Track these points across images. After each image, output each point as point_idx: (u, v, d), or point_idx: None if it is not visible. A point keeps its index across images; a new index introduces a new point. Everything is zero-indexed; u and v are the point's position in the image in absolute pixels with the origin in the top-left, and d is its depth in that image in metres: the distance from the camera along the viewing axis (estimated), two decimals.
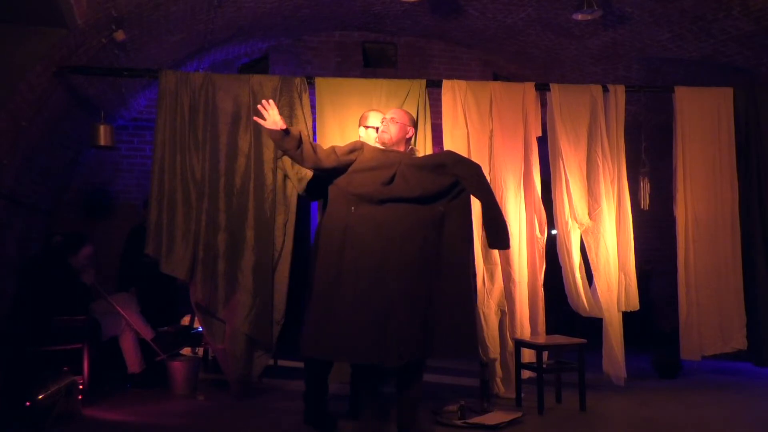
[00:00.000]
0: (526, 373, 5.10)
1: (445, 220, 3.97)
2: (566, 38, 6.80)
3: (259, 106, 4.00)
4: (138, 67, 5.49)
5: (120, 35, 4.81)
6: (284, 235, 4.89)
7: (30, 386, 4.27)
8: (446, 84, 5.30)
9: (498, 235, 4.06)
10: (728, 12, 5.57)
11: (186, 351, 5.99)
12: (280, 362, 6.04)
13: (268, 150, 4.89)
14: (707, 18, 5.75)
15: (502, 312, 5.15)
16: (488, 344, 5.06)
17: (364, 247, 3.86)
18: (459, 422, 4.35)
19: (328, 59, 7.46)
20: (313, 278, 4.06)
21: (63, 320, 5.02)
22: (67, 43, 4.49)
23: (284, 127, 3.96)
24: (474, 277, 4.98)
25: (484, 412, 4.54)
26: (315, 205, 5.32)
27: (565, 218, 5.35)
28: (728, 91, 5.67)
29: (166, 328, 5.79)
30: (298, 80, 5.07)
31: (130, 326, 5.45)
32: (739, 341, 5.47)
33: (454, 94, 5.26)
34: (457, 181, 4.02)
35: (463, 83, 5.32)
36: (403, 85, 5.20)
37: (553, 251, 5.43)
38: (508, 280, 5.19)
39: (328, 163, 3.99)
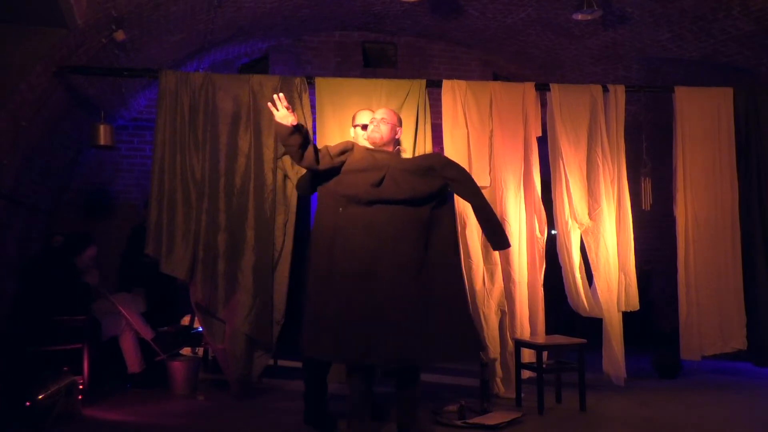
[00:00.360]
0: (526, 373, 5.10)
1: (432, 223, 3.98)
2: (566, 38, 6.80)
3: (274, 97, 3.91)
4: (138, 67, 5.49)
5: (120, 35, 4.81)
6: (284, 235, 4.89)
7: (30, 386, 4.27)
8: (446, 84, 5.30)
9: (496, 235, 4.08)
10: (728, 12, 5.57)
11: (186, 351, 5.99)
12: (280, 362, 6.04)
13: (268, 150, 4.89)
14: (707, 18, 5.75)
15: (502, 312, 5.15)
16: (488, 344, 5.05)
17: (354, 247, 3.86)
18: (459, 422, 4.35)
19: (328, 59, 7.46)
20: (308, 279, 4.07)
21: (63, 320, 5.02)
22: (67, 43, 4.49)
23: (295, 123, 3.90)
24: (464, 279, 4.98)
25: (484, 412, 4.54)
26: (315, 205, 5.31)
27: (565, 218, 5.35)
28: (728, 91, 5.67)
29: (166, 328, 5.80)
30: (298, 80, 5.08)
31: (130, 326, 5.46)
32: (739, 341, 5.47)
33: (454, 94, 5.26)
34: (446, 184, 4.04)
35: (463, 83, 5.32)
36: (403, 85, 5.20)
37: (553, 251, 5.43)
38: (508, 280, 5.19)
39: (324, 164, 3.98)
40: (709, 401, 5.09)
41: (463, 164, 4.71)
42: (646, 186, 5.66)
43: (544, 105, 5.47)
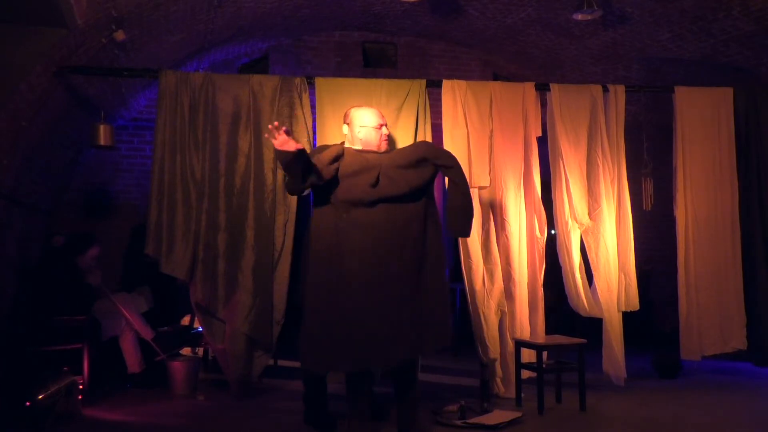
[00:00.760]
0: (526, 373, 5.10)
1: (428, 217, 4.00)
2: (566, 38, 6.81)
3: (269, 127, 3.68)
4: (138, 67, 5.49)
5: (120, 35, 4.81)
6: (284, 235, 4.89)
7: (30, 386, 4.26)
8: (446, 84, 5.30)
9: (463, 223, 4.06)
10: (728, 12, 5.57)
11: (186, 351, 5.99)
12: (280, 362, 6.04)
13: (268, 150, 4.89)
14: (707, 18, 5.75)
15: (502, 312, 5.15)
16: (488, 344, 5.06)
17: (363, 253, 3.84)
18: (459, 422, 4.35)
19: (328, 59, 7.46)
20: (305, 289, 4.02)
21: (63, 320, 5.02)
22: (67, 43, 4.49)
23: (300, 147, 3.65)
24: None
25: (484, 412, 4.54)
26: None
27: (565, 218, 5.35)
28: (728, 91, 5.67)
29: (166, 328, 5.80)
30: (298, 80, 5.07)
31: (130, 326, 5.46)
32: (739, 341, 5.47)
33: (454, 94, 5.26)
34: (436, 171, 4.05)
35: (463, 83, 5.32)
36: (403, 85, 5.20)
37: (553, 251, 5.43)
38: (508, 280, 5.19)
39: (326, 177, 3.90)
40: (709, 401, 5.09)
41: (463, 164, 4.71)
42: (648, 186, 5.66)
43: (544, 105, 5.47)
